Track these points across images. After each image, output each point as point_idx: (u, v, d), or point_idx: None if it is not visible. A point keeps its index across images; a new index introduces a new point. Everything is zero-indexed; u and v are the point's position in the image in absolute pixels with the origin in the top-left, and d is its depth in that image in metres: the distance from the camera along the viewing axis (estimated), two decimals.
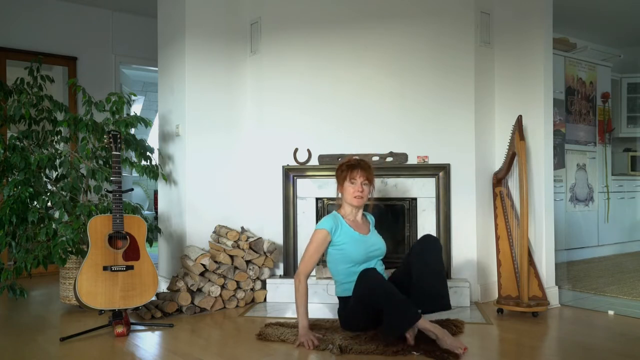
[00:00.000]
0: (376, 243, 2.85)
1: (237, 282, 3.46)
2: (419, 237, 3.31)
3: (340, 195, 2.87)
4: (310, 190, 3.72)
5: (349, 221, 2.82)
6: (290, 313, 3.25)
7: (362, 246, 2.76)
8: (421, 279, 2.59)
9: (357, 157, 2.90)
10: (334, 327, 2.83)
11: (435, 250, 2.67)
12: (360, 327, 2.68)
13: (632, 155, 6.38)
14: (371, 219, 3.00)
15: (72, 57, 5.18)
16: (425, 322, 2.44)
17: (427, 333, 2.44)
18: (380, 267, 2.81)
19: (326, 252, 2.81)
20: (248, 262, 3.53)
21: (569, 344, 2.64)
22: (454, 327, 2.78)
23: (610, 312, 3.24)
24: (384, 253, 2.88)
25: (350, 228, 2.79)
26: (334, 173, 2.95)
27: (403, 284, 2.63)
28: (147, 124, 3.76)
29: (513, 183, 3.48)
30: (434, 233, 3.55)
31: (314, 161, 3.70)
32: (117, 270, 2.92)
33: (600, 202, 5.80)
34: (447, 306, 2.61)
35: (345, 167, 2.82)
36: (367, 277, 2.54)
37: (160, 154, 4.09)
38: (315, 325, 2.84)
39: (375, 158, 3.62)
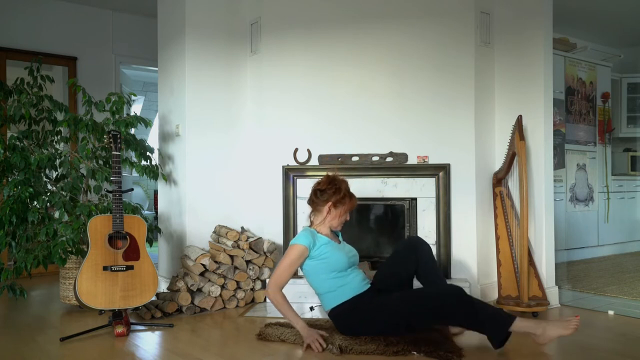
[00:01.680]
0: (351, 250, 2.85)
1: (237, 282, 3.46)
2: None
3: (319, 215, 2.79)
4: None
5: (323, 234, 2.79)
6: None
7: (342, 253, 2.74)
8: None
9: (341, 178, 2.82)
10: (333, 327, 2.82)
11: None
12: (390, 326, 2.59)
13: (632, 155, 6.38)
14: (338, 232, 2.94)
15: (72, 57, 5.18)
16: (523, 321, 2.38)
17: (528, 330, 2.39)
18: (359, 275, 2.75)
19: (301, 267, 2.74)
20: (248, 262, 3.53)
21: (569, 344, 2.64)
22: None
23: (610, 312, 3.24)
24: (358, 259, 2.88)
25: (327, 238, 2.76)
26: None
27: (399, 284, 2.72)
28: (147, 124, 3.76)
29: (513, 183, 3.48)
30: (433, 233, 3.55)
31: (314, 161, 3.70)
32: (117, 270, 2.92)
33: (600, 202, 5.80)
34: None
35: (347, 195, 2.77)
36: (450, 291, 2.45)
37: (160, 154, 4.09)
38: (315, 326, 2.83)
39: (375, 158, 3.62)
